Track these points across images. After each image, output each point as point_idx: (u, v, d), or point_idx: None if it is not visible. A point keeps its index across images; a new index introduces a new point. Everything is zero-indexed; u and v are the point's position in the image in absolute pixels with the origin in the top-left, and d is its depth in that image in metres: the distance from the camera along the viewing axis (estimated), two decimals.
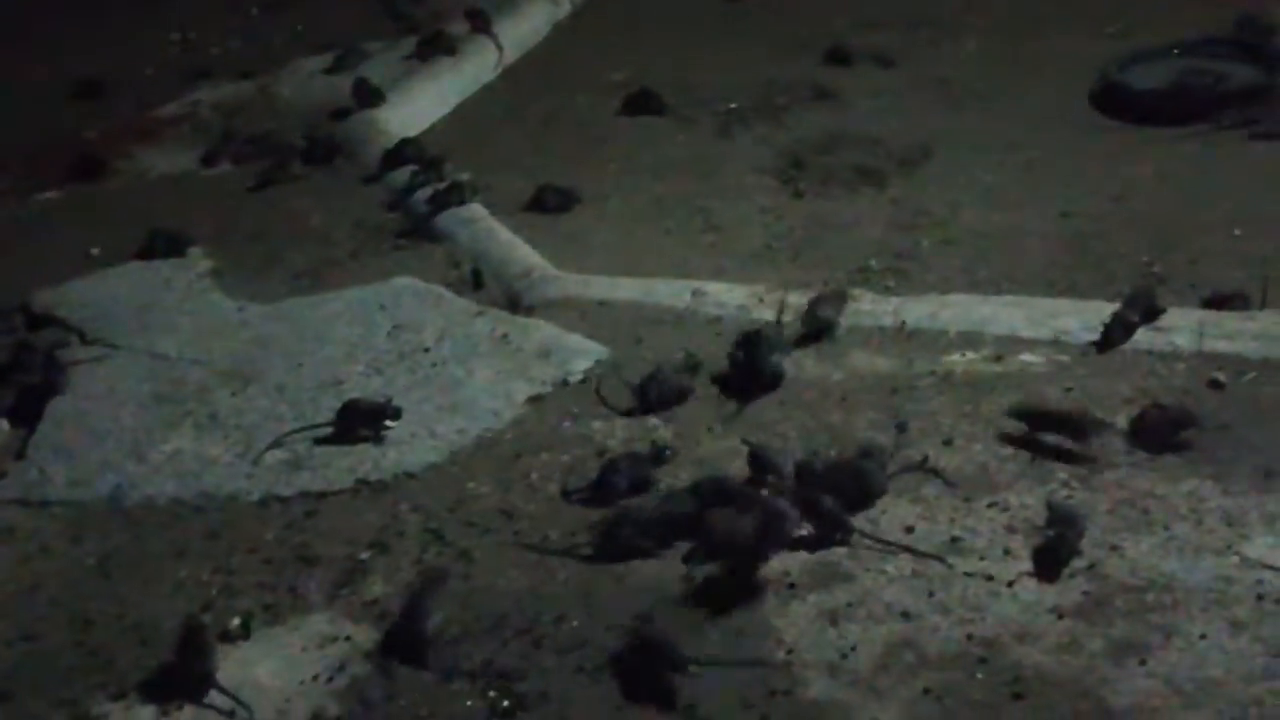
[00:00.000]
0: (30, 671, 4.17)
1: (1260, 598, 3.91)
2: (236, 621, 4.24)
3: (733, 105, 7.75)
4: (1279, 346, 5.00)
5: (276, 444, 5.04)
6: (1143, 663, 3.74)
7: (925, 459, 4.60)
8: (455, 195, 6.71)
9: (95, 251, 6.78)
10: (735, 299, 5.69)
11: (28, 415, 5.46)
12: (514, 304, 5.85)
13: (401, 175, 7.11)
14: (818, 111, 7.64)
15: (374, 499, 4.77)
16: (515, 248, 6.29)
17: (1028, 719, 3.61)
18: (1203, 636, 3.80)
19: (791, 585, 4.14)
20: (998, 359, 5.13)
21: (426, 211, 6.71)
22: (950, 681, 3.75)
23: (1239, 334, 5.08)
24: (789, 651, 3.89)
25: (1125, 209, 6.23)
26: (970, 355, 5.16)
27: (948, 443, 4.67)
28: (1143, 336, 5.12)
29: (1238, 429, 4.64)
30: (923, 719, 3.65)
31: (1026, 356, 5.11)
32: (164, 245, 6.62)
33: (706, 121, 7.66)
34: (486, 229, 6.50)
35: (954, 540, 4.25)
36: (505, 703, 3.83)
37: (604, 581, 4.25)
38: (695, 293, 5.74)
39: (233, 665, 4.06)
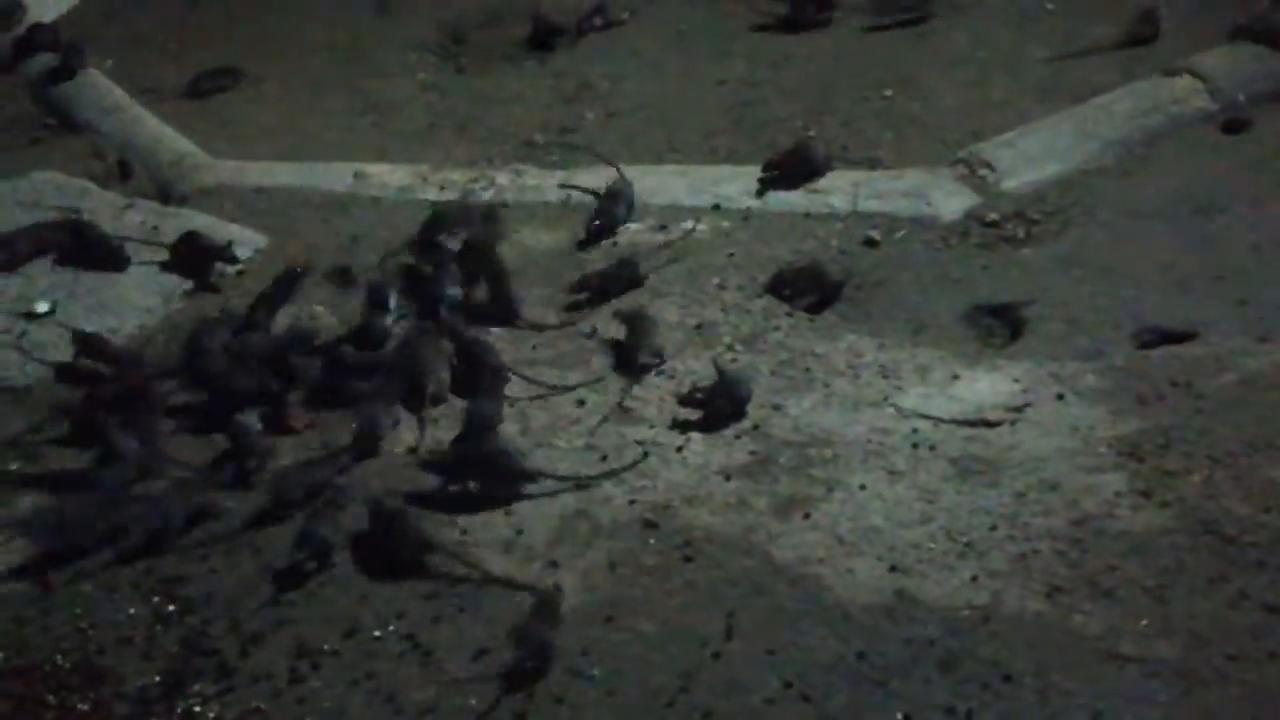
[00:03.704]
0: None
1: (915, 446, 4.09)
2: None
3: None
4: (925, 204, 5.20)
5: None
6: (806, 516, 3.86)
7: (594, 330, 4.62)
8: (74, 61, 6.46)
9: None
10: (398, 180, 5.57)
11: None
12: (165, 194, 5.57)
13: (37, 63, 6.65)
14: None
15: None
16: (164, 135, 5.98)
17: (698, 579, 3.68)
18: (862, 487, 3.95)
19: None
20: (662, 228, 5.16)
21: (40, 84, 6.45)
22: (624, 549, 3.79)
23: (890, 193, 5.25)
24: (463, 532, 3.87)
25: (781, 77, 6.30)
26: (635, 226, 5.18)
27: (616, 314, 4.69)
28: (800, 199, 5.25)
29: (891, 285, 4.82)
30: (598, 588, 3.68)
31: (689, 224, 5.16)
32: None
33: None
34: (133, 117, 6.15)
35: (624, 409, 4.29)
36: None
37: None
38: (357, 175, 5.58)
39: None
